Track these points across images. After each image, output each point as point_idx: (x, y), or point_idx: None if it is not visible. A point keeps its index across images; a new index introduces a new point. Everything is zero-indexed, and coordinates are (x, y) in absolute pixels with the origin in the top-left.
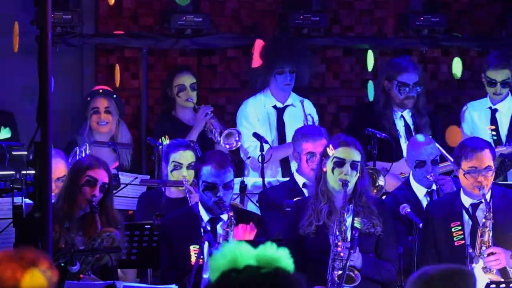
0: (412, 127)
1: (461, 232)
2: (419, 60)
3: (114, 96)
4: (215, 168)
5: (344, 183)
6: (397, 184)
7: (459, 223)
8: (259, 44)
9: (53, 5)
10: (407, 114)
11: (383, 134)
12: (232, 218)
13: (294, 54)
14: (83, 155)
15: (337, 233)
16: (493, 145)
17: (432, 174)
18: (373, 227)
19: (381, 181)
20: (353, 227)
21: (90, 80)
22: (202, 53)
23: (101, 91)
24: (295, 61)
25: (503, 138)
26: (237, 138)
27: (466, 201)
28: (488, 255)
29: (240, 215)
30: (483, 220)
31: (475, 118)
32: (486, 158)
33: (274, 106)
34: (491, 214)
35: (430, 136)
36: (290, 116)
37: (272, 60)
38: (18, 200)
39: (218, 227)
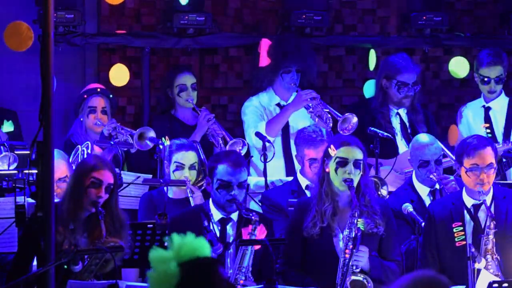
0: (407, 124)
1: (463, 233)
2: (422, 59)
3: (111, 96)
4: (231, 167)
5: (350, 185)
6: (398, 182)
7: (460, 223)
8: (265, 43)
9: (55, 4)
10: (402, 111)
11: (385, 133)
12: (257, 220)
13: (301, 54)
14: (85, 154)
15: (347, 239)
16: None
17: (435, 174)
18: (376, 227)
19: (383, 191)
20: (356, 227)
21: (92, 79)
22: (204, 52)
23: (99, 90)
24: (302, 61)
25: (498, 136)
26: (240, 148)
27: (468, 201)
28: None
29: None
30: (487, 230)
31: (470, 118)
32: (488, 156)
33: (278, 104)
34: (494, 223)
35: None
36: (294, 114)
37: (279, 59)
38: (20, 199)
39: (228, 227)
